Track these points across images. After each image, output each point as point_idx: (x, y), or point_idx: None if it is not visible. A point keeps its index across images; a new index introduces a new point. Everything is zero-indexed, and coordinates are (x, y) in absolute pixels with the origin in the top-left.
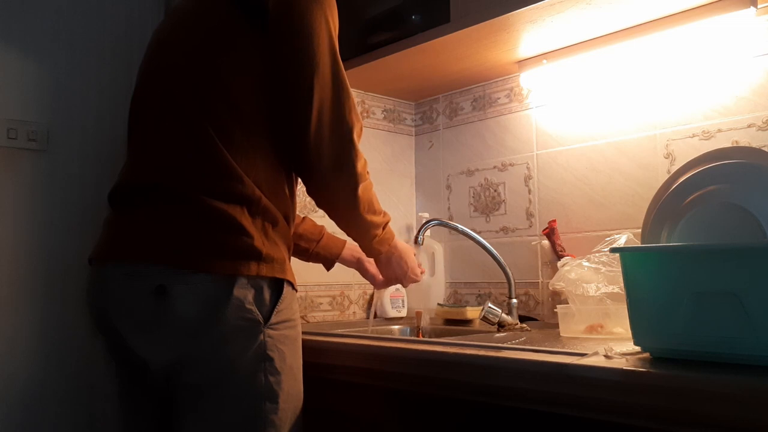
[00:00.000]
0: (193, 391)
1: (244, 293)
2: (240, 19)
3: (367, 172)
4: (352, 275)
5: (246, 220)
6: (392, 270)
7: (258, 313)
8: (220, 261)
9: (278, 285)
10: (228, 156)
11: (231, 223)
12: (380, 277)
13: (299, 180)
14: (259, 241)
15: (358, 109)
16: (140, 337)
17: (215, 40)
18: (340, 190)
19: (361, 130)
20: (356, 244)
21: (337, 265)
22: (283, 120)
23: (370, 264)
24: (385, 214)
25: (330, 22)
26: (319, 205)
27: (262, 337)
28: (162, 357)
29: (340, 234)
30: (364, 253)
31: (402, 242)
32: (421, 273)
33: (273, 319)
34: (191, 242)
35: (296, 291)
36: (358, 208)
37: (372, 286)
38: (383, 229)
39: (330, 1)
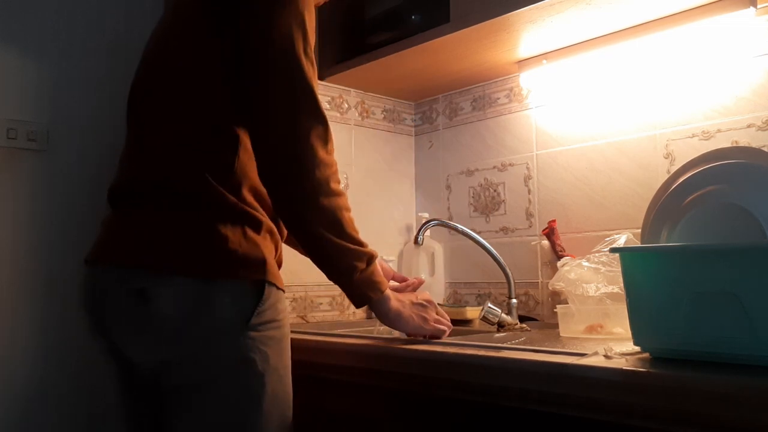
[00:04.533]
0: (178, 393)
1: (223, 296)
2: (208, 25)
3: (339, 190)
4: None
5: (222, 224)
6: (407, 324)
7: (238, 315)
8: (197, 264)
9: (259, 286)
10: (204, 160)
11: (206, 227)
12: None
13: None
14: (235, 243)
15: (357, 109)
16: (126, 338)
17: (188, 46)
18: (297, 204)
19: (326, 132)
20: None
21: None
22: (248, 125)
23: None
24: (366, 246)
25: (292, 23)
26: (286, 226)
27: (242, 339)
28: (147, 359)
29: None
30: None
31: (405, 292)
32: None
33: (254, 321)
34: (168, 246)
35: (282, 291)
36: (321, 228)
37: None
38: (367, 264)
39: (295, 4)
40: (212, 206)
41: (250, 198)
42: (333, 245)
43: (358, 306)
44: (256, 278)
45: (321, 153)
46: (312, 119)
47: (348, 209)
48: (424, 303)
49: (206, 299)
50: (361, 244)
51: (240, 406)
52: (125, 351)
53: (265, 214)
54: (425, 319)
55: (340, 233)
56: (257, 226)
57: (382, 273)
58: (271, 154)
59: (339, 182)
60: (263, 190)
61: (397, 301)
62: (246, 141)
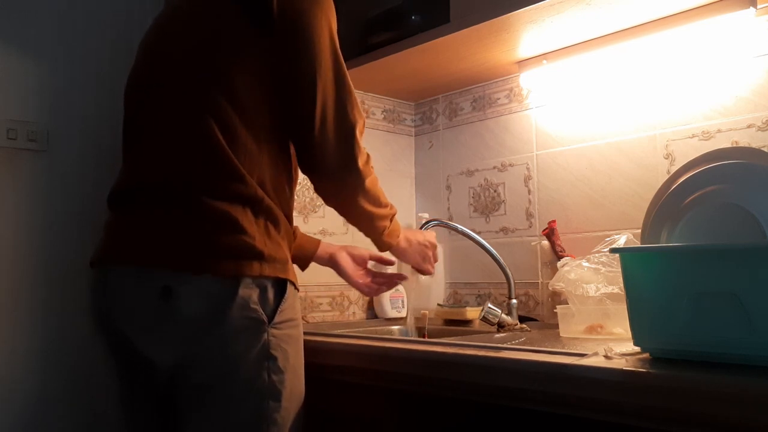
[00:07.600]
0: (198, 391)
1: (249, 293)
2: (245, 22)
3: (371, 167)
4: None
5: (248, 221)
6: (410, 258)
7: (262, 312)
8: (224, 262)
9: (281, 285)
10: (231, 155)
11: (233, 224)
12: (355, 278)
13: (297, 180)
14: (260, 241)
15: None
16: (146, 337)
17: (221, 42)
18: (346, 187)
19: (364, 126)
20: (330, 243)
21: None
22: (289, 120)
23: (346, 262)
24: (391, 206)
25: (331, 21)
26: (328, 202)
27: (266, 336)
28: (168, 356)
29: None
30: (335, 251)
31: (417, 231)
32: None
33: (276, 319)
34: (195, 244)
35: (298, 290)
36: (365, 204)
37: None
38: (390, 221)
39: (328, 1)
40: (239, 200)
41: (272, 193)
42: (372, 214)
43: (382, 250)
44: (279, 277)
45: (361, 143)
46: (358, 115)
47: (377, 180)
48: (427, 245)
49: (232, 297)
50: (388, 206)
51: (262, 403)
52: (145, 351)
53: (282, 212)
54: (424, 258)
55: (377, 204)
56: (277, 224)
57: (398, 224)
58: (324, 148)
59: (370, 160)
60: (281, 186)
61: (406, 241)
62: (274, 136)
